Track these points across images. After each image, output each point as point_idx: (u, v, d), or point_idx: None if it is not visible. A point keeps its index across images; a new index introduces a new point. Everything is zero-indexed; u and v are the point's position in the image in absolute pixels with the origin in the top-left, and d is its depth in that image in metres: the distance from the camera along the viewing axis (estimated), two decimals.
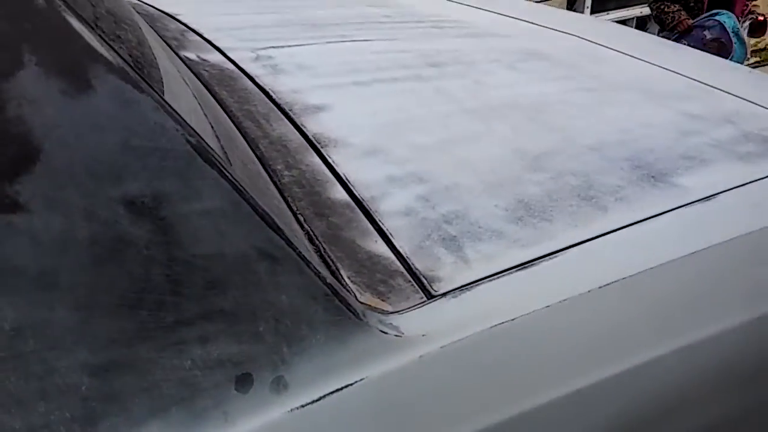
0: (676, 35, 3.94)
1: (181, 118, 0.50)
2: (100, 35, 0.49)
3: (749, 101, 1.20)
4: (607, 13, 4.95)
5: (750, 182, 0.93)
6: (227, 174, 0.53)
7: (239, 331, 0.54)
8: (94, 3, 0.65)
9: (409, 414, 0.62)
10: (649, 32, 5.00)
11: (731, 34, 3.89)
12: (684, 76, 1.31)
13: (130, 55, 0.62)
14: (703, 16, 4.01)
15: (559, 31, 1.59)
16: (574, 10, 4.67)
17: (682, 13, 4.04)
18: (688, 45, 3.72)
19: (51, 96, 0.45)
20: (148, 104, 0.48)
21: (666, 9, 4.08)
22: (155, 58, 0.76)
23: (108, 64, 0.47)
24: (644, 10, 5.13)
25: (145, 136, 0.48)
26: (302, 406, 0.57)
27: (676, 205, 0.87)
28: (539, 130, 1.05)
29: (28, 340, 0.47)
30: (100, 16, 0.64)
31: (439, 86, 1.19)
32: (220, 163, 0.52)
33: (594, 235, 0.80)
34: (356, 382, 0.59)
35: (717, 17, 3.95)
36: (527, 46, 1.46)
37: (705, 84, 1.28)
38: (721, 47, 3.81)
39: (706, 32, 3.94)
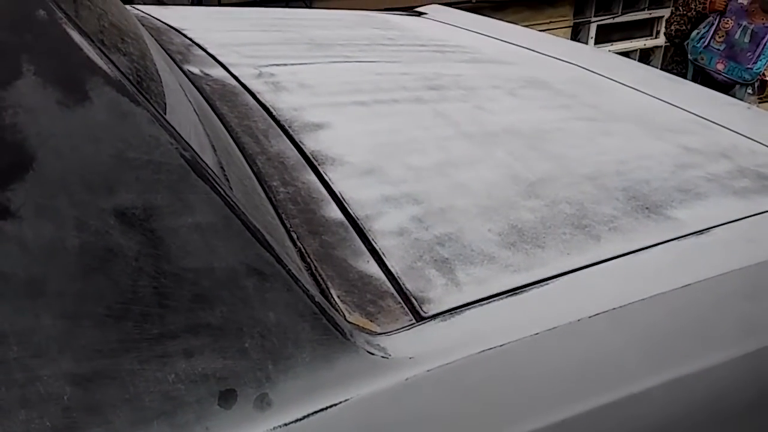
0: (716, 17, 3.72)
1: (176, 132, 0.51)
2: (100, 48, 0.50)
3: (746, 137, 1.21)
4: (612, 44, 5.00)
5: (744, 217, 0.94)
6: (220, 189, 0.53)
7: (225, 346, 0.54)
8: (99, 16, 0.66)
9: None
10: (652, 65, 5.05)
11: None
12: (682, 109, 1.33)
13: (131, 69, 0.63)
14: None
15: (561, 60, 1.60)
16: (578, 41, 4.72)
17: None
18: (731, 20, 3.58)
19: (47, 106, 0.46)
20: (144, 117, 0.49)
21: (689, 1, 3.82)
22: (157, 72, 0.77)
23: (106, 77, 0.48)
24: (647, 43, 5.19)
25: (139, 148, 0.49)
26: (285, 424, 0.57)
27: (670, 237, 0.87)
28: (536, 158, 1.05)
29: (12, 347, 0.47)
30: (104, 29, 0.64)
31: (439, 109, 1.20)
32: (213, 178, 0.53)
33: (586, 264, 0.80)
34: (341, 402, 0.59)
35: None
36: (528, 73, 1.48)
37: (703, 118, 1.29)
38: (764, 5, 3.60)
39: (742, 0, 3.70)
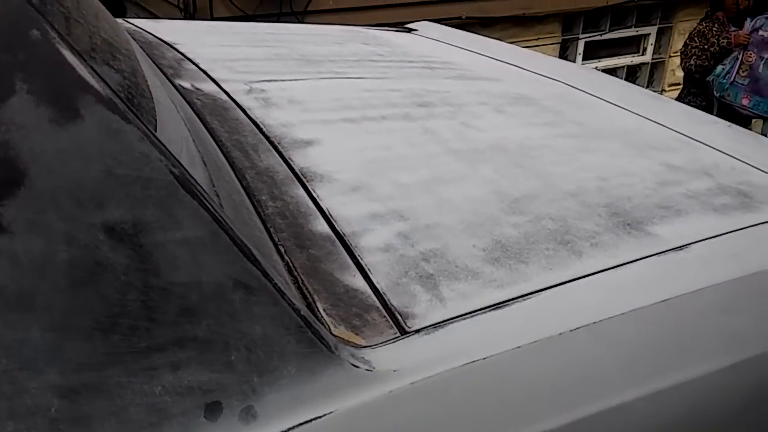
0: (740, 50, 3.71)
1: (166, 148, 0.52)
2: (91, 66, 0.51)
3: (728, 154, 1.24)
4: (599, 61, 5.06)
5: (723, 234, 0.96)
6: (208, 204, 0.54)
7: (211, 359, 0.55)
8: (91, 33, 0.68)
9: None
10: (639, 82, 5.11)
11: None
12: (665, 127, 1.35)
13: (122, 85, 0.64)
14: (752, 20, 3.76)
15: (547, 77, 1.63)
16: (566, 58, 4.77)
17: (727, 28, 3.75)
18: (753, 54, 3.56)
19: (39, 123, 0.47)
20: (134, 134, 0.50)
21: (707, 34, 3.76)
22: (148, 88, 0.78)
23: (97, 95, 0.49)
24: (634, 59, 5.25)
25: (129, 165, 0.50)
26: None
27: (650, 253, 0.89)
28: (521, 174, 1.07)
29: (1, 360, 0.48)
30: (96, 47, 0.66)
31: (427, 126, 1.21)
32: (201, 193, 0.54)
33: (568, 279, 0.81)
34: (326, 414, 0.60)
35: None
36: (515, 90, 1.50)
37: (685, 136, 1.31)
38: None
39: (763, 33, 3.70)
